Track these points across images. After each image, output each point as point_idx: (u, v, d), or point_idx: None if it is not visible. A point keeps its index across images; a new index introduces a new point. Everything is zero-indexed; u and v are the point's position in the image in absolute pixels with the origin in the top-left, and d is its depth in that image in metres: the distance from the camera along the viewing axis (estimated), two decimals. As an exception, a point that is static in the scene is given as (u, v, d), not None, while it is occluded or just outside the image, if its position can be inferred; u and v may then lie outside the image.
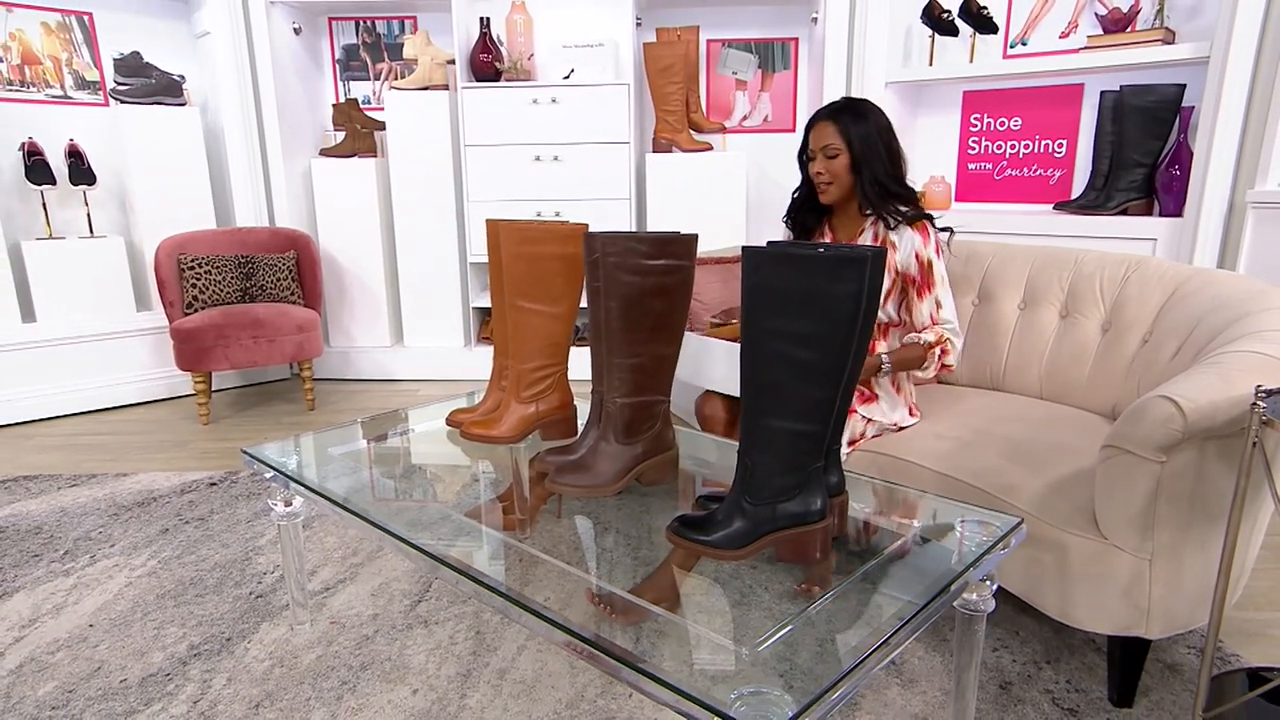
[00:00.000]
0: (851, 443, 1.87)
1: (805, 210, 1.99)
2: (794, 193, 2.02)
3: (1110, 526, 1.38)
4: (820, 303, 1.07)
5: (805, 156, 1.91)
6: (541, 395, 1.66)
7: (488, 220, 1.68)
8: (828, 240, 1.97)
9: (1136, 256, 2.02)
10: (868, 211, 1.86)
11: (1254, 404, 1.14)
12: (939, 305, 1.83)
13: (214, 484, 2.58)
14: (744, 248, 1.11)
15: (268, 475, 1.62)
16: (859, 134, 1.81)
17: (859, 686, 0.94)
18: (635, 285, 1.35)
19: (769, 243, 1.18)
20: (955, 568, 1.17)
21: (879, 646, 0.97)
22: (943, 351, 1.82)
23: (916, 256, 1.83)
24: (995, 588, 1.31)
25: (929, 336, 1.82)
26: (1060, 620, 1.45)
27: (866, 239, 1.89)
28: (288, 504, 1.66)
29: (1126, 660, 1.45)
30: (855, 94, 3.52)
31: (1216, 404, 1.27)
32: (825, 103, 3.61)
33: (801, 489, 1.15)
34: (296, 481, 1.54)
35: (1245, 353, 1.40)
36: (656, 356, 1.41)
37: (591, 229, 1.56)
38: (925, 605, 1.06)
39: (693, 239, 1.40)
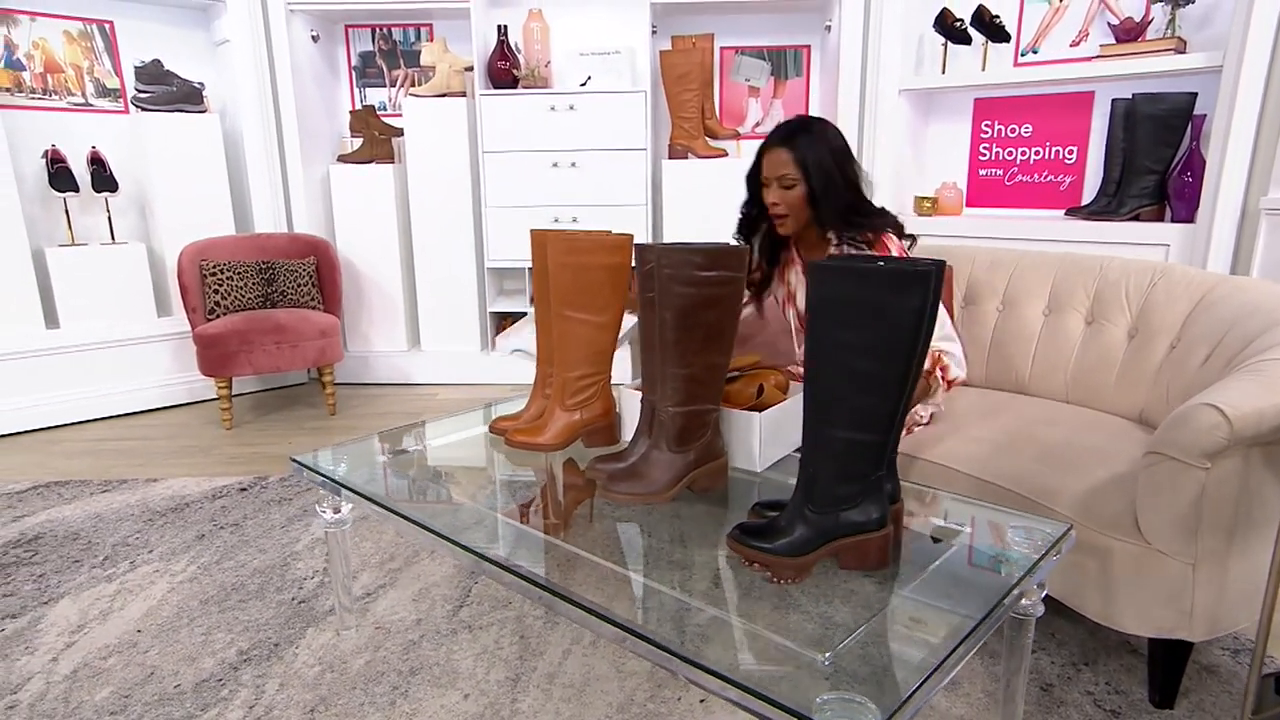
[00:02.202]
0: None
1: (768, 233, 1.91)
2: (742, 209, 1.90)
3: (1154, 532, 1.40)
4: (885, 316, 1.09)
5: (757, 181, 1.81)
6: (585, 403, 1.67)
7: (533, 230, 1.69)
8: (796, 263, 1.92)
9: (1162, 264, 2.04)
10: (830, 236, 1.77)
11: (1304, 413, 1.16)
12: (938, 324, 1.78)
13: (244, 489, 2.58)
14: (811, 263, 1.12)
15: (317, 482, 1.63)
16: (815, 161, 1.70)
17: (935, 693, 0.95)
18: (689, 296, 1.36)
19: (831, 256, 1.19)
20: (1010, 576, 1.18)
21: (952, 653, 0.98)
22: (942, 369, 1.80)
23: None
24: (1045, 593, 1.32)
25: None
26: (1103, 623, 1.46)
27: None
28: (336, 511, 1.67)
29: (1169, 662, 1.47)
30: (870, 101, 3.54)
31: (1262, 411, 1.29)
32: (839, 110, 3.63)
33: (863, 497, 1.17)
34: (350, 490, 1.55)
35: (1285, 361, 1.42)
36: (709, 366, 1.42)
37: (627, 237, 1.58)
38: (988, 614, 1.07)
39: (744, 250, 1.41)
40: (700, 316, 1.38)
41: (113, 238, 3.49)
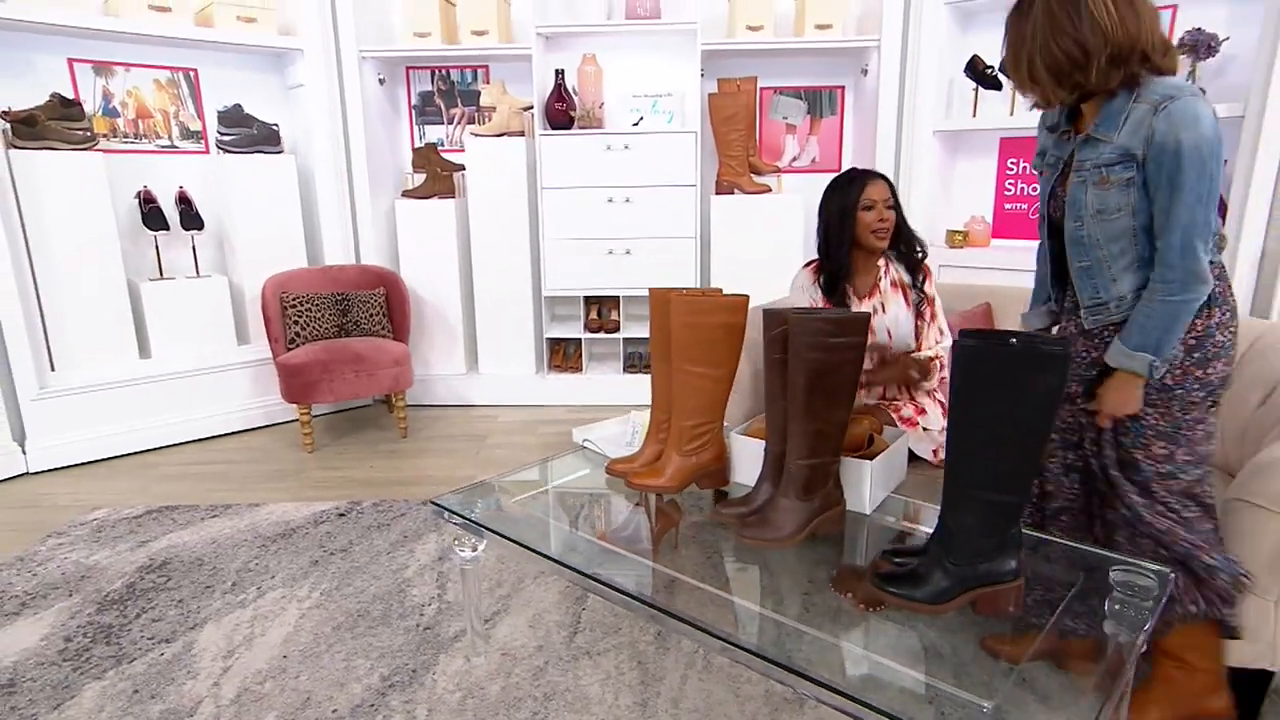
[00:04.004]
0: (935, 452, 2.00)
1: (836, 259, 2.09)
2: (826, 248, 2.08)
3: (1237, 571, 1.47)
4: (1026, 391, 1.16)
5: (855, 209, 2.01)
6: (700, 448, 1.74)
7: (654, 290, 1.75)
8: (850, 290, 2.10)
9: (1210, 310, 2.11)
10: (880, 262, 2.10)
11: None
12: (941, 331, 2.12)
13: (342, 514, 2.64)
14: (957, 344, 1.19)
15: (457, 523, 1.70)
16: (896, 192, 2.07)
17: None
18: (820, 361, 1.43)
19: (963, 333, 1.26)
20: (1132, 628, 1.24)
21: (1103, 706, 1.05)
22: (941, 364, 2.10)
23: (928, 296, 2.12)
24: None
25: (928, 353, 2.09)
26: (1186, 652, 1.54)
27: (885, 283, 2.10)
28: (474, 550, 1.73)
29: (1254, 689, 1.54)
30: (906, 142, 3.63)
31: (1340, 465, 1.37)
32: (877, 148, 3.71)
33: (999, 551, 1.24)
34: (495, 532, 1.61)
35: (1354, 415, 1.49)
36: (833, 422, 1.49)
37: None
38: (1123, 669, 1.14)
39: (866, 317, 1.48)
40: (829, 378, 1.45)
41: (197, 271, 3.55)
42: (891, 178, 3.68)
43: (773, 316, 1.54)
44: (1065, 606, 1.27)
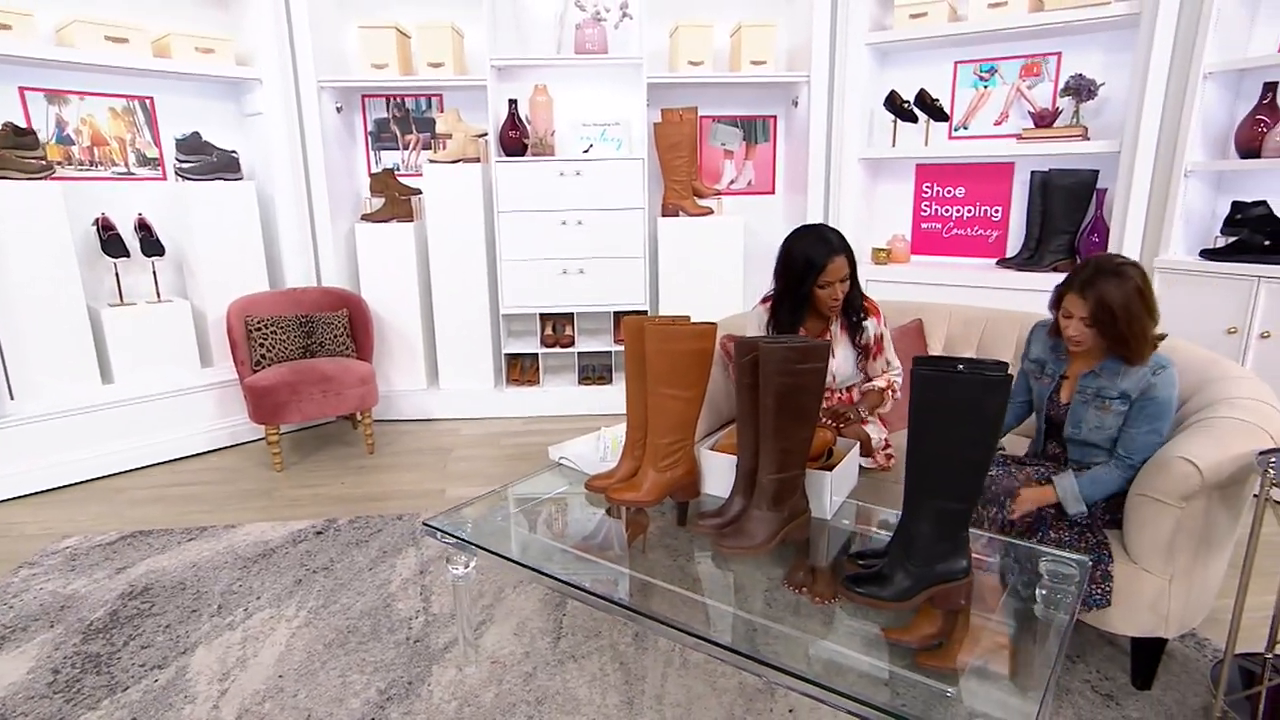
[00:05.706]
0: (890, 458, 2.12)
1: (789, 320, 2.11)
2: (780, 302, 2.08)
3: (1139, 554, 1.62)
4: (975, 412, 1.26)
5: (815, 283, 2.01)
6: (674, 464, 1.79)
7: (629, 319, 1.80)
8: (803, 334, 2.12)
9: (1104, 325, 2.30)
10: (830, 317, 2.12)
11: (1265, 470, 1.39)
12: (888, 362, 2.18)
13: (320, 532, 2.59)
14: (914, 373, 1.28)
15: (450, 543, 1.70)
16: (854, 264, 2.07)
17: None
18: (787, 384, 1.51)
19: (917, 360, 1.35)
20: (1063, 614, 1.36)
21: (1048, 686, 1.15)
22: (893, 391, 2.17)
23: (875, 336, 2.14)
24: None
25: (880, 383, 2.16)
26: (1098, 626, 1.68)
27: (836, 327, 2.15)
28: (466, 566, 1.74)
29: (1148, 654, 1.70)
30: (834, 167, 3.77)
31: (1221, 463, 1.53)
32: (809, 175, 3.83)
33: (952, 552, 1.34)
34: (488, 550, 1.63)
35: (1228, 419, 1.66)
36: (799, 439, 1.57)
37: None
38: (1060, 649, 1.25)
39: (826, 345, 1.57)
40: (795, 399, 1.52)
41: (158, 296, 3.39)
42: (822, 200, 3.85)
43: (743, 345, 1.60)
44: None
